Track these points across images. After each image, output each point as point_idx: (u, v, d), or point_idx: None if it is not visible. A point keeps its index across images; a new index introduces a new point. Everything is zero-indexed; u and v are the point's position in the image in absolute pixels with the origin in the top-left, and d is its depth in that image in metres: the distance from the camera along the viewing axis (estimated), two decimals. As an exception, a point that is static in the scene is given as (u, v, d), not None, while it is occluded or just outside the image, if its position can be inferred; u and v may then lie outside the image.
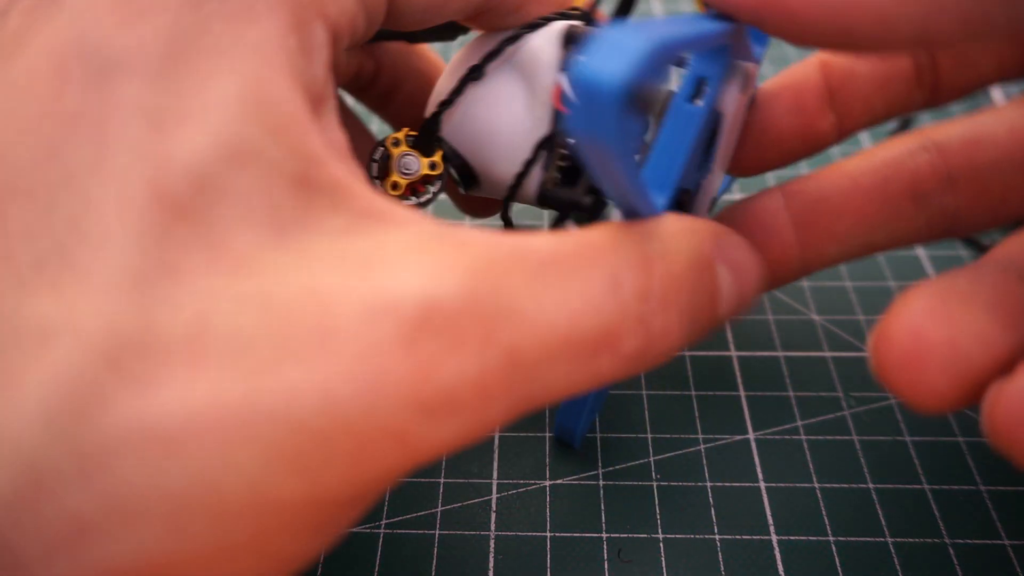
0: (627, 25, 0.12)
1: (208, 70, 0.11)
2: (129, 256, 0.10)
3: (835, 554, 0.20)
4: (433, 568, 0.19)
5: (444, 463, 0.22)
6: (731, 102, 0.18)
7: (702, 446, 0.22)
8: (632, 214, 0.14)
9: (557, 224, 0.19)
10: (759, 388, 0.24)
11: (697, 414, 0.23)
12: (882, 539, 0.20)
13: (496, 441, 0.22)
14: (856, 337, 0.25)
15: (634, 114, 0.11)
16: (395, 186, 0.18)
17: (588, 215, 0.18)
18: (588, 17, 0.18)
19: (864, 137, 0.34)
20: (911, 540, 0.20)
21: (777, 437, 0.22)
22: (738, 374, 0.24)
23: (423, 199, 0.19)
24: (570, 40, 0.18)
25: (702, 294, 0.14)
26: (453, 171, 0.19)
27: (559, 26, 0.18)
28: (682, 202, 0.19)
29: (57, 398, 0.09)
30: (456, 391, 0.11)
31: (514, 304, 0.11)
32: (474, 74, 0.18)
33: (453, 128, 0.19)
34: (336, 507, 0.11)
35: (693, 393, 0.23)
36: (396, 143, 0.19)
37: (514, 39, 0.18)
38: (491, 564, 0.20)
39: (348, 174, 0.12)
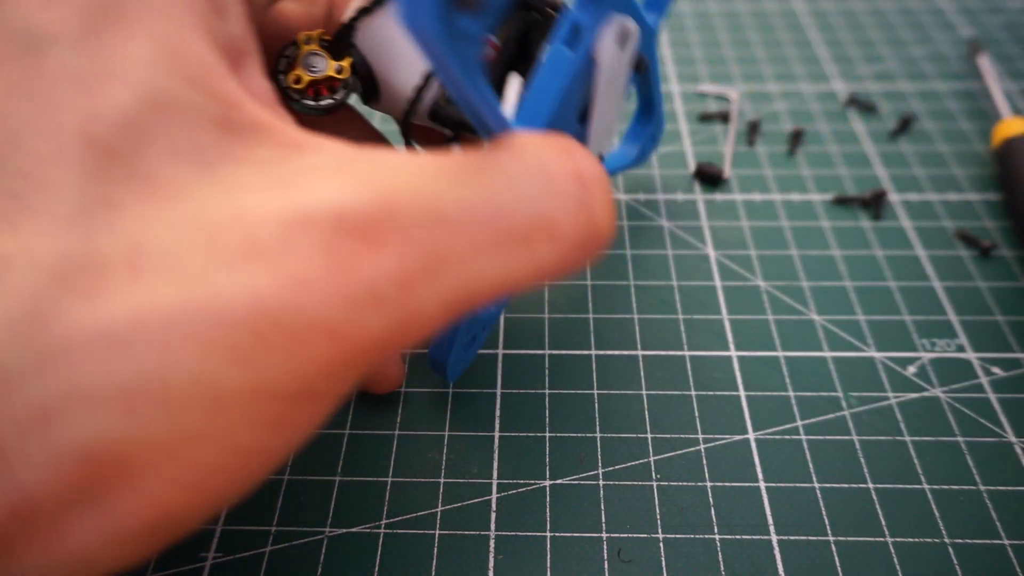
0: None
1: (125, 35, 0.13)
2: (71, 195, 0.12)
3: (835, 554, 0.20)
4: (433, 568, 0.19)
5: (444, 463, 0.22)
6: (606, 52, 0.18)
7: (702, 446, 0.22)
8: (483, 128, 0.15)
9: (449, 143, 0.20)
10: (759, 388, 0.24)
11: (697, 414, 0.23)
12: (882, 539, 0.20)
13: (496, 441, 0.22)
14: (856, 337, 0.25)
15: (458, 10, 0.12)
16: (297, 80, 0.19)
17: (478, 136, 0.19)
18: None
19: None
20: (911, 540, 0.20)
21: (777, 437, 0.22)
22: (738, 374, 0.24)
23: (323, 103, 0.19)
24: None
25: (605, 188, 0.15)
26: (358, 82, 0.20)
27: None
28: None
29: (17, 310, 0.11)
30: (377, 284, 0.12)
31: (433, 204, 0.13)
32: None
33: (366, 37, 0.19)
34: (285, 401, 0.12)
35: (693, 393, 0.23)
36: (308, 40, 0.19)
37: None
38: (491, 564, 0.20)
39: (270, 115, 0.14)
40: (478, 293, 0.13)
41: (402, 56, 0.19)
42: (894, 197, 0.31)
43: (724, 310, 0.26)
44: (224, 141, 0.13)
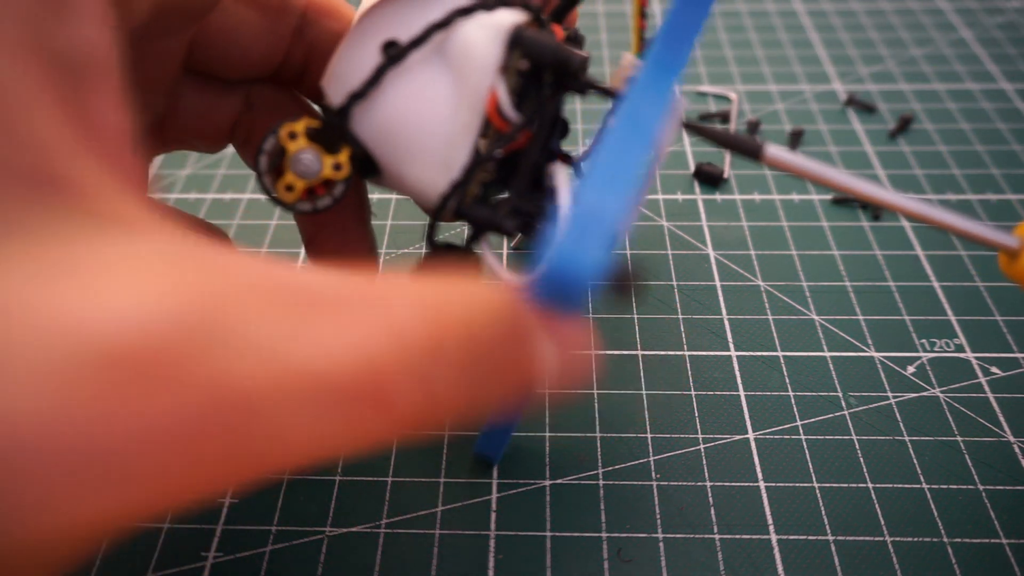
0: (592, 187, 0.12)
1: None
2: None
3: (834, 553, 0.20)
4: (433, 568, 0.20)
5: (444, 463, 0.22)
6: (665, 141, 0.17)
7: (702, 446, 0.22)
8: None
9: (472, 240, 0.17)
10: (759, 388, 0.24)
11: (697, 414, 0.23)
12: (881, 538, 0.20)
13: (496, 441, 0.22)
14: (856, 337, 0.25)
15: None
16: (289, 188, 0.16)
17: (509, 237, 0.17)
18: (534, 9, 0.16)
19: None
20: (909, 539, 0.20)
21: (777, 437, 0.22)
22: (738, 374, 0.24)
23: (321, 204, 0.16)
24: (516, 43, 0.15)
25: (512, 363, 0.13)
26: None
27: (503, 21, 0.15)
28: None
29: None
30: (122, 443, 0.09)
31: (247, 335, 0.10)
32: (393, 61, 0.15)
33: (362, 118, 0.16)
34: None
35: (693, 393, 0.23)
36: (293, 136, 0.16)
37: (444, 25, 0.15)
38: (491, 564, 0.20)
39: (92, 170, 0.11)
40: (274, 453, 0.10)
41: (412, 145, 0.16)
42: (893, 197, 0.31)
43: (724, 310, 0.26)
44: (17, 200, 0.10)
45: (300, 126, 0.16)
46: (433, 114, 0.16)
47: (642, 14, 0.18)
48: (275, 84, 0.20)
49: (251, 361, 0.10)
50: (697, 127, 0.17)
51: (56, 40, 0.11)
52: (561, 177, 0.16)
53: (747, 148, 0.16)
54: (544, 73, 0.16)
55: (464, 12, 0.15)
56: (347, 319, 0.11)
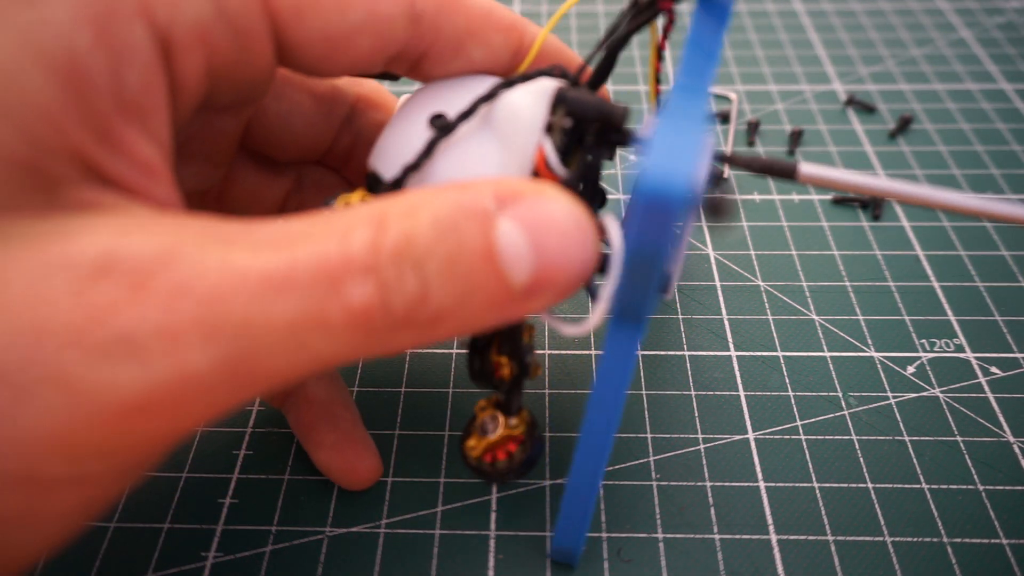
0: (669, 125, 0.12)
1: None
2: None
3: (834, 553, 0.20)
4: (433, 568, 0.20)
5: (444, 463, 0.22)
6: (703, 172, 0.17)
7: (702, 446, 0.22)
8: (627, 311, 0.15)
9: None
10: (759, 388, 0.24)
11: (697, 414, 0.23)
12: (881, 538, 0.20)
13: (496, 441, 0.22)
14: (856, 337, 0.25)
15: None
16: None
17: None
18: (571, 77, 0.17)
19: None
20: (909, 539, 0.20)
21: (776, 437, 0.22)
22: (738, 374, 0.24)
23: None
24: (560, 102, 0.16)
25: (464, 252, 0.12)
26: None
27: (547, 85, 0.16)
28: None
29: None
30: (135, 335, 0.11)
31: (223, 259, 0.11)
32: (444, 132, 0.16)
33: (416, 188, 0.17)
34: (16, 484, 0.11)
35: (693, 393, 0.23)
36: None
37: (490, 97, 0.16)
38: (491, 564, 0.20)
39: (74, 169, 0.12)
40: (264, 348, 0.12)
41: None
42: (893, 197, 0.31)
43: (724, 310, 0.26)
44: (19, 189, 0.12)
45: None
46: (483, 176, 0.16)
47: (659, 56, 0.18)
48: (322, 166, 0.22)
49: (227, 275, 0.11)
50: (732, 158, 0.17)
51: (97, 75, 0.12)
52: (612, 228, 0.15)
53: (782, 171, 0.17)
54: (587, 129, 0.16)
55: (507, 84, 0.16)
56: (298, 239, 0.12)
